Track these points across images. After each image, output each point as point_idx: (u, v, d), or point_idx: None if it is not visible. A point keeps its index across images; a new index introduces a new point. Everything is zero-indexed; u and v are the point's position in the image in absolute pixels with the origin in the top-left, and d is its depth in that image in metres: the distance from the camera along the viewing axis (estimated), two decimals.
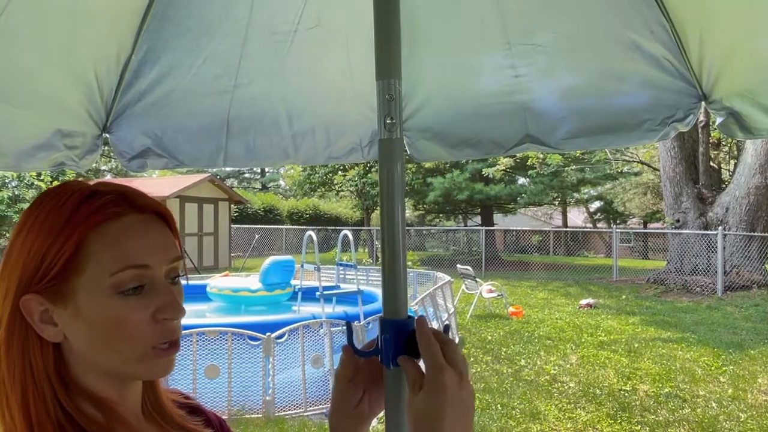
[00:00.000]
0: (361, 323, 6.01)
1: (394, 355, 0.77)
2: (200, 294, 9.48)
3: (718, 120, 1.32)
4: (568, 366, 6.91)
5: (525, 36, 1.45)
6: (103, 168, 30.40)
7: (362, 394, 0.81)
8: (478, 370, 6.73)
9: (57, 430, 0.61)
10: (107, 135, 1.66)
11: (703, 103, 1.37)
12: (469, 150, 1.61)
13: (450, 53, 1.58)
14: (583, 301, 11.57)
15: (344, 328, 5.66)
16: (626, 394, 5.84)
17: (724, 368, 6.76)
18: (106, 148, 1.71)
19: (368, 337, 0.73)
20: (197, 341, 5.09)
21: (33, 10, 1.22)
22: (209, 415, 0.83)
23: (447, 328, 0.87)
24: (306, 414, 5.17)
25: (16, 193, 16.23)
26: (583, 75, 1.49)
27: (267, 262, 9.24)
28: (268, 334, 5.22)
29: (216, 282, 9.67)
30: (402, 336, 0.77)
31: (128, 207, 0.66)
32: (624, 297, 12.72)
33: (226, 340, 5.16)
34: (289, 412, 5.20)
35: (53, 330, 0.64)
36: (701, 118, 13.50)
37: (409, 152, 1.68)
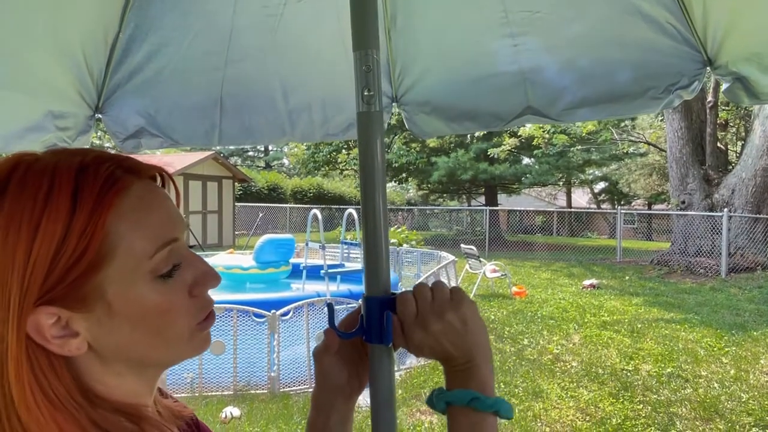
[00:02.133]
0: None
1: (378, 332, 0.76)
2: None
3: (725, 86, 1.27)
4: (571, 345, 6.93)
5: (522, 3, 1.40)
6: (106, 145, 30.46)
7: (349, 370, 0.80)
8: None
9: None
10: (100, 116, 1.63)
11: (708, 68, 1.32)
12: (469, 123, 1.57)
13: (446, 25, 1.53)
14: (587, 282, 11.57)
15: (348, 306, 5.67)
16: (628, 374, 5.86)
17: (726, 349, 6.76)
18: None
19: None
20: None
21: None
22: None
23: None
24: (311, 390, 5.20)
25: None
26: (583, 42, 1.43)
27: (261, 240, 9.10)
28: (273, 311, 5.25)
29: (212, 260, 9.70)
30: (385, 312, 0.75)
31: (130, 175, 0.56)
32: (627, 278, 12.71)
33: (232, 317, 5.21)
34: (294, 388, 5.28)
35: (76, 342, 0.52)
36: (709, 98, 13.35)
37: (408, 127, 1.65)
